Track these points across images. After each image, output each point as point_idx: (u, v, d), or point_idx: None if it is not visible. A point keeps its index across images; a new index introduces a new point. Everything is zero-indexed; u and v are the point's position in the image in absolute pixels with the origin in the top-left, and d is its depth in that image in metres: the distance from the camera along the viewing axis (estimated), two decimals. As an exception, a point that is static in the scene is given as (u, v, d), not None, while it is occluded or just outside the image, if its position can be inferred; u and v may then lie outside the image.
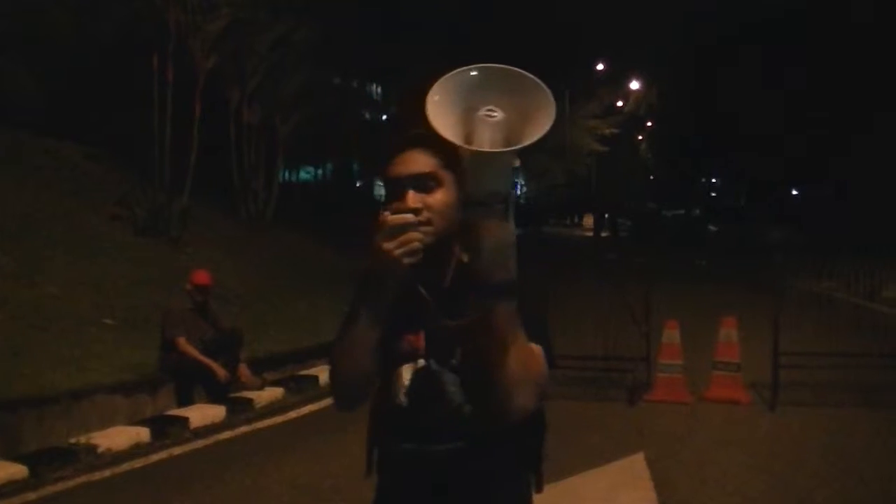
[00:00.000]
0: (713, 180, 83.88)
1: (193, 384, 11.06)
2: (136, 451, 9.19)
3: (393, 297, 2.58)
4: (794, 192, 64.12)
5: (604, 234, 63.27)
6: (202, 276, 11.60)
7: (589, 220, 71.76)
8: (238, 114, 22.02)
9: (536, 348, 2.57)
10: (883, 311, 18.78)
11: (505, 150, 2.39)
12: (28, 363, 10.40)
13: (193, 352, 10.96)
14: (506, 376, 2.46)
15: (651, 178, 79.29)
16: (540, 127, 2.40)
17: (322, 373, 12.77)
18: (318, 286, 19.00)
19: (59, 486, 8.08)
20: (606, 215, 68.61)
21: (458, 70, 2.50)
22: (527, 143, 2.38)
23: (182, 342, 10.94)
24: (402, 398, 2.72)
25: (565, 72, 45.14)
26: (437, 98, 2.44)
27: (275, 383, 12.13)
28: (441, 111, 2.42)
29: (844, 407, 10.97)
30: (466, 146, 2.39)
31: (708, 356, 11.82)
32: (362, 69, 34.63)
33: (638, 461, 8.70)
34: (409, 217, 2.50)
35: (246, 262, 18.93)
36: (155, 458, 9.04)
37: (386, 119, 42.35)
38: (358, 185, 39.81)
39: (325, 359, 13.32)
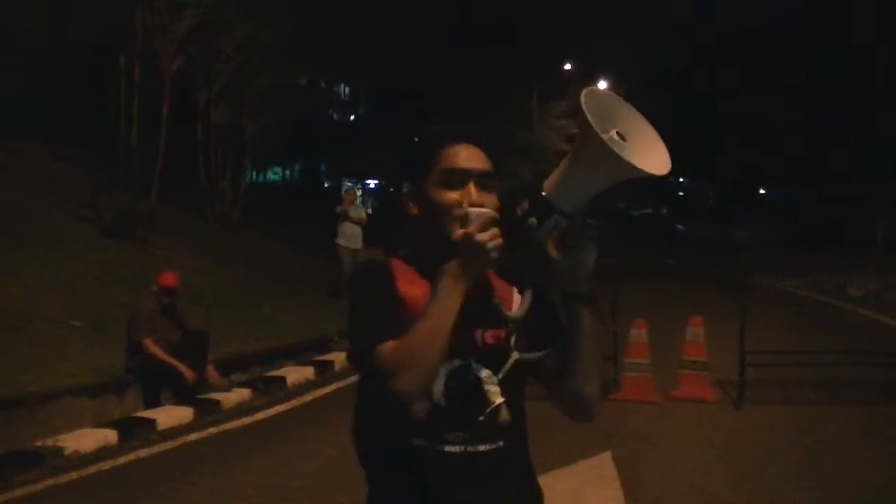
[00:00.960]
0: (681, 179, 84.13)
1: (160, 386, 11.02)
2: (103, 453, 9.14)
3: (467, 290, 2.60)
4: (762, 192, 64.43)
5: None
6: (169, 278, 11.55)
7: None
8: (205, 114, 21.95)
9: None
10: (848, 309, 18.92)
11: (639, 166, 2.43)
12: (-6, 365, 10.34)
13: (160, 353, 10.91)
14: (597, 375, 2.68)
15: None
16: (654, 167, 2.50)
17: (290, 374, 12.76)
18: (285, 287, 18.98)
19: (26, 490, 8.03)
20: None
21: (608, 92, 2.59)
22: (647, 170, 2.46)
23: (149, 343, 10.89)
24: (440, 398, 2.69)
25: (534, 70, 45.18)
26: (589, 99, 2.48)
27: (242, 385, 12.09)
28: (589, 111, 2.46)
29: (811, 404, 11.05)
30: (614, 149, 2.44)
31: (675, 355, 11.87)
32: (330, 70, 34.57)
33: (605, 460, 8.73)
34: (494, 212, 2.56)
35: (213, 263, 18.87)
36: (122, 460, 9.00)
37: (354, 119, 42.32)
38: (326, 185, 39.74)
39: (292, 360, 13.34)
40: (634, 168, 2.42)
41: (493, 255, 2.50)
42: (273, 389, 12.19)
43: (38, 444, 8.93)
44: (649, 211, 75.95)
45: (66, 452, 8.90)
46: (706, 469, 8.58)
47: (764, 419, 10.49)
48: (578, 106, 2.45)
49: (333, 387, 12.50)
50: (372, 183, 47.51)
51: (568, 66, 53.74)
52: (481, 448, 2.68)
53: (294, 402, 11.69)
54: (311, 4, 24.71)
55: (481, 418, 2.67)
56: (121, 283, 14.91)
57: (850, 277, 20.43)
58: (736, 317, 11.45)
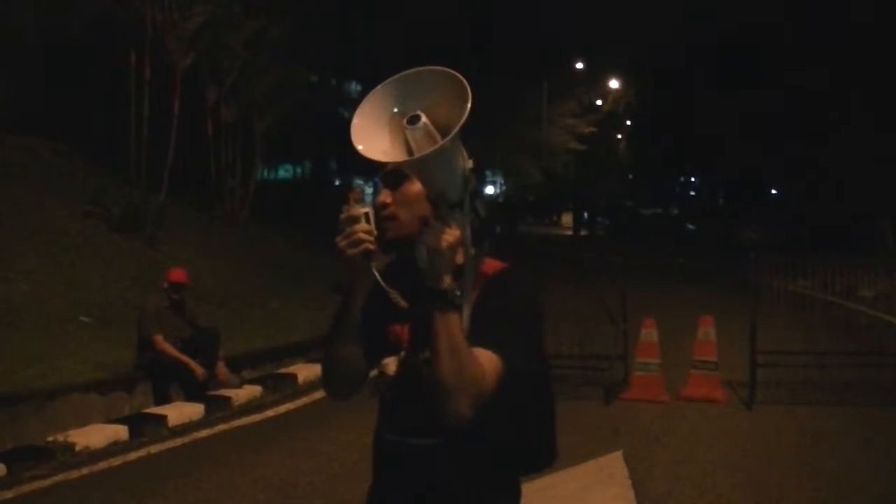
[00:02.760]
0: (692, 179, 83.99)
1: (171, 382, 11.02)
2: (114, 449, 9.15)
3: (361, 289, 2.73)
4: (774, 192, 64.27)
5: (582, 233, 63.34)
6: (178, 274, 11.56)
7: (567, 219, 71.83)
8: (215, 111, 21.95)
9: (487, 357, 2.58)
10: (858, 310, 18.87)
11: (424, 154, 2.45)
12: (1, 361, 10.35)
13: (171, 350, 10.92)
14: (438, 381, 2.52)
15: (630, 176, 79.36)
16: (459, 114, 2.44)
17: (300, 371, 12.75)
18: (294, 284, 19.00)
19: (36, 485, 8.04)
20: (586, 214, 68.69)
21: (367, 97, 2.62)
22: (449, 137, 2.42)
23: (159, 340, 10.90)
24: (386, 388, 2.77)
25: (544, 69, 45.20)
26: (357, 126, 2.57)
27: (252, 382, 12.08)
28: (366, 137, 2.55)
29: (820, 405, 11.01)
30: (388, 160, 2.49)
31: (685, 355, 11.85)
32: (340, 67, 34.59)
33: (615, 459, 8.71)
34: (358, 211, 2.63)
35: (222, 259, 18.89)
36: (132, 456, 9.00)
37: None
38: (336, 183, 39.74)
39: (301, 357, 13.37)
40: (417, 158, 2.46)
41: (349, 251, 2.63)
42: (283, 387, 12.19)
43: (49, 439, 8.94)
44: (659, 211, 75.90)
45: (77, 448, 8.92)
46: (715, 469, 8.56)
47: (773, 420, 10.45)
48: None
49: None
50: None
51: (579, 66, 53.72)
52: (413, 441, 2.72)
53: (304, 400, 11.68)
54: (317, 3, 24.70)
55: (416, 412, 2.68)
56: (128, 279, 14.93)
57: (861, 278, 20.37)
58: (745, 317, 11.43)
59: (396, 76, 2.61)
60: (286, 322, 15.45)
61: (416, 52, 30.98)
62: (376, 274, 2.74)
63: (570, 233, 64.69)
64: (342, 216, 2.63)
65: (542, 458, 2.91)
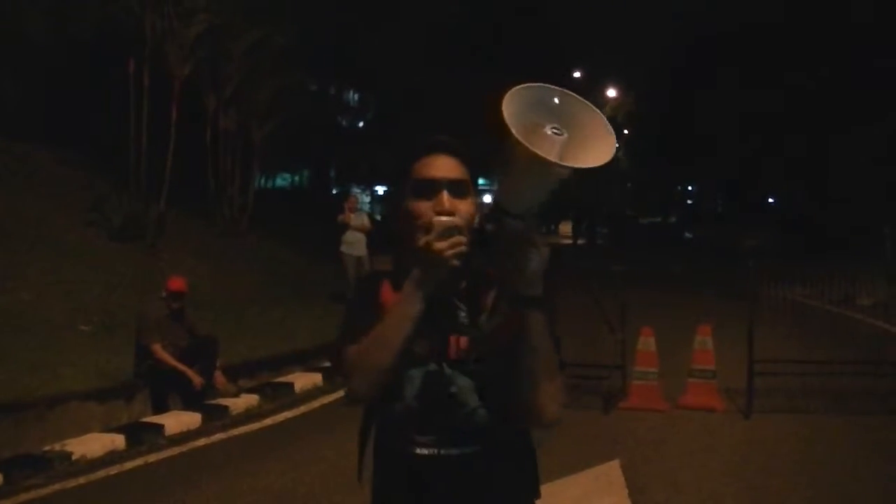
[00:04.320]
0: (689, 187, 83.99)
1: (169, 391, 11.04)
2: (111, 458, 9.16)
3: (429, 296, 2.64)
4: (770, 200, 64.28)
5: (580, 242, 63.32)
6: (177, 283, 11.57)
7: (566, 228, 71.77)
8: (215, 119, 21.96)
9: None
10: (857, 319, 18.86)
11: (568, 165, 2.44)
12: (1, 369, 10.35)
13: (169, 358, 10.93)
14: (542, 384, 2.59)
15: (629, 185, 79.36)
16: (596, 158, 2.49)
17: (298, 379, 12.76)
18: (293, 293, 19.01)
19: (33, 494, 8.05)
20: (584, 223, 68.66)
21: (538, 85, 2.57)
22: (582, 166, 2.45)
23: (157, 349, 10.91)
24: (413, 401, 2.72)
25: (542, 78, 45.20)
26: (512, 101, 2.48)
27: (250, 390, 12.09)
28: (513, 115, 2.46)
29: (819, 414, 11.01)
30: (539, 153, 2.43)
31: (683, 363, 11.85)
32: (339, 76, 34.63)
33: (613, 468, 8.72)
34: (457, 220, 2.61)
35: (221, 268, 18.90)
36: (130, 465, 9.01)
37: (362, 125, 42.30)
38: (335, 191, 39.77)
39: (299, 365, 13.35)
40: (564, 166, 2.43)
41: (453, 262, 2.55)
42: (281, 395, 12.20)
43: (46, 448, 8.95)
44: (658, 219, 75.89)
45: (74, 457, 8.92)
46: (713, 477, 8.57)
47: (771, 428, 10.46)
48: (499, 111, 2.45)
49: (341, 393, 12.48)
50: (381, 189, 47.54)
51: (577, 74, 53.77)
52: (454, 452, 2.70)
53: (302, 408, 11.70)
54: (318, 11, 24.73)
55: (454, 422, 2.68)
56: (128, 287, 14.94)
57: (859, 287, 20.34)
58: (743, 325, 11.42)
59: (562, 90, 2.59)
60: (284, 330, 15.46)
61: (414, 64, 31.10)
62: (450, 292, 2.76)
63: (568, 241, 64.65)
64: (445, 222, 2.59)
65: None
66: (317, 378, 13.10)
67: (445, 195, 2.73)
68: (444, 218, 2.61)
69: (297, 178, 41.62)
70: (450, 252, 2.54)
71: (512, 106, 2.46)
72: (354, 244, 18.58)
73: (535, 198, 2.55)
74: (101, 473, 8.69)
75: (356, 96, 41.48)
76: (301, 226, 26.00)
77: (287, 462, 9.10)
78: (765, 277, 13.81)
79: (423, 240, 2.57)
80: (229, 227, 22.38)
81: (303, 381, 12.81)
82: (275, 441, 10.11)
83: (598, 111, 2.58)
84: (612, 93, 62.50)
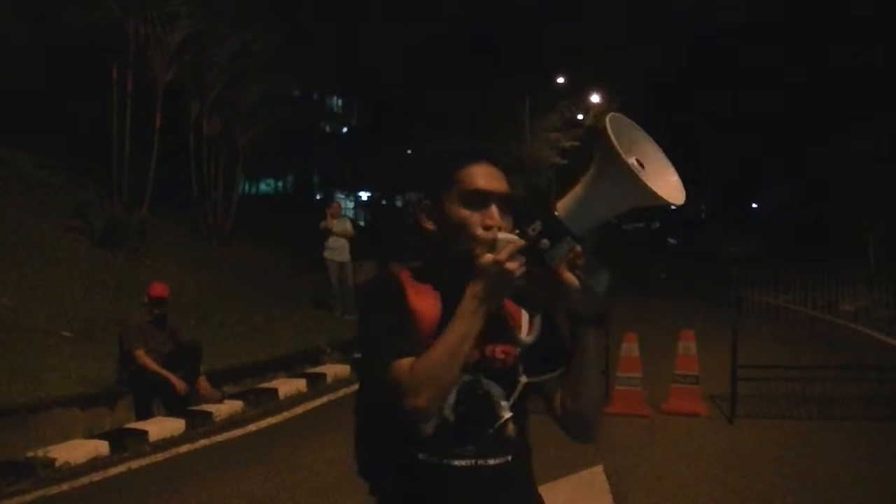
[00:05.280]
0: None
1: (152, 397, 11.01)
2: (95, 464, 9.13)
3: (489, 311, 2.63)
4: (755, 206, 64.49)
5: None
6: (159, 289, 11.54)
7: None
8: (198, 125, 21.91)
9: None
10: (840, 324, 18.93)
11: (652, 189, 2.48)
12: (-17, 376, 10.32)
13: (152, 364, 10.90)
14: (600, 395, 2.72)
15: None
16: (670, 196, 2.55)
17: (281, 386, 12.75)
18: (276, 299, 18.98)
19: (16, 500, 8.02)
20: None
21: (629, 121, 2.59)
22: (655, 200, 2.50)
23: (141, 354, 10.88)
24: (450, 413, 2.71)
25: (526, 83, 45.19)
26: (614, 123, 2.51)
27: (234, 396, 12.07)
28: (615, 133, 2.48)
29: (802, 419, 11.05)
30: (635, 163, 2.47)
31: (667, 369, 11.87)
32: (322, 81, 34.58)
33: (597, 473, 8.72)
34: (520, 240, 2.56)
35: (204, 274, 18.87)
36: (113, 471, 8.99)
37: (346, 131, 42.28)
38: (318, 197, 39.75)
39: (283, 372, 13.33)
40: (655, 195, 2.46)
41: (521, 282, 2.55)
42: (265, 401, 12.18)
43: (29, 454, 8.92)
44: (641, 225, 75.99)
45: (58, 463, 8.89)
46: (696, 483, 8.58)
47: (755, 434, 10.49)
48: (602, 129, 2.48)
49: (325, 399, 12.50)
50: (364, 195, 47.48)
51: (561, 80, 53.73)
52: (491, 462, 2.71)
53: (286, 415, 11.68)
54: (301, 17, 24.70)
55: (490, 433, 2.70)
56: (110, 293, 14.90)
57: (842, 293, 20.41)
58: (727, 331, 11.45)
59: (653, 142, 2.64)
60: (268, 336, 15.44)
61: (399, 69, 31.10)
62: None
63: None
64: (514, 241, 2.56)
65: None
66: (301, 384, 13.09)
67: (495, 209, 2.72)
68: (512, 237, 2.57)
69: (280, 184, 41.58)
70: (519, 272, 2.53)
71: (613, 127, 2.48)
72: (337, 250, 18.58)
73: (603, 219, 2.60)
74: (84, 480, 8.66)
75: (340, 102, 41.46)
76: (284, 232, 25.96)
77: (271, 468, 9.08)
78: (748, 283, 13.85)
79: (491, 258, 2.53)
80: (212, 233, 22.33)
81: (287, 387, 12.80)
82: (259, 447, 10.09)
83: (668, 160, 2.64)
84: (595, 98, 62.50)
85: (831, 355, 13.09)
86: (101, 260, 16.57)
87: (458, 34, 36.01)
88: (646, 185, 2.43)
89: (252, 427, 11.02)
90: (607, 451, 9.54)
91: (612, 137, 2.43)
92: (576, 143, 55.60)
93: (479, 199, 2.72)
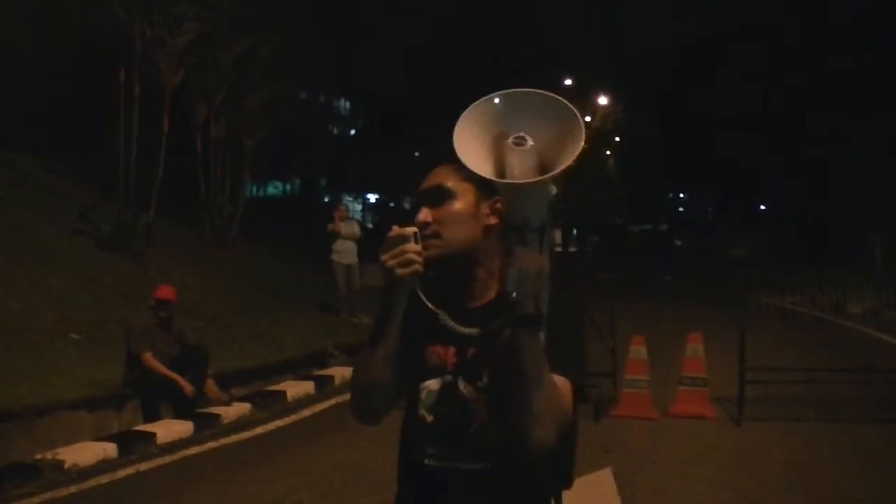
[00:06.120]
0: (681, 195, 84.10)
1: (160, 399, 10.99)
2: (103, 466, 9.12)
3: (400, 309, 2.64)
4: (763, 208, 64.43)
5: (571, 250, 63.31)
6: (165, 291, 11.53)
7: (557, 237, 71.73)
8: (204, 128, 21.91)
9: (563, 382, 2.60)
10: (847, 326, 18.91)
11: (528, 181, 2.45)
12: (-10, 379, 10.32)
13: (160, 367, 10.89)
14: (527, 407, 2.49)
15: (618, 192, 79.45)
16: (571, 152, 2.46)
17: (289, 388, 12.75)
18: (283, 301, 18.99)
19: (24, 503, 8.01)
20: (575, 231, 68.66)
21: (482, 99, 2.56)
22: (558, 170, 2.45)
23: (148, 357, 10.87)
24: (425, 413, 2.72)
25: (531, 86, 45.15)
26: (462, 131, 2.50)
27: (241, 399, 12.06)
28: (468, 144, 2.49)
29: (810, 422, 11.02)
30: (496, 179, 2.46)
31: (674, 371, 11.86)
32: (328, 84, 34.63)
33: (605, 476, 8.70)
34: (408, 230, 2.55)
35: (211, 276, 18.88)
36: (121, 473, 8.98)
37: (353, 134, 42.29)
38: (326, 199, 39.78)
39: (290, 374, 13.38)
40: (549, 176, 2.46)
41: (399, 271, 2.53)
42: (272, 404, 12.17)
43: (37, 457, 8.90)
44: (648, 227, 76.00)
45: (65, 466, 8.88)
46: (703, 486, 8.57)
47: (762, 436, 10.46)
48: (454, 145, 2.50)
49: (333, 401, 12.48)
50: (372, 197, 47.50)
51: (568, 82, 53.72)
52: (462, 467, 2.67)
53: (293, 417, 11.68)
54: (307, 19, 24.73)
55: (464, 436, 2.66)
56: (117, 296, 14.90)
57: (849, 295, 20.41)
58: (734, 333, 11.44)
59: (505, 92, 2.59)
60: (275, 339, 15.44)
61: (405, 72, 31.14)
62: (422, 296, 2.76)
63: (558, 249, 64.58)
64: (390, 234, 2.55)
65: (566, 481, 2.93)
66: (308, 387, 13.08)
67: (423, 208, 2.71)
68: (399, 230, 2.56)
69: (287, 187, 41.59)
70: (392, 262, 2.52)
71: (463, 134, 2.49)
72: (345, 253, 18.55)
73: (526, 211, 2.54)
74: (92, 482, 8.65)
75: (347, 104, 41.49)
76: (291, 234, 25.97)
77: (278, 471, 9.08)
78: (755, 285, 13.85)
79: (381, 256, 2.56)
80: (219, 236, 22.34)
81: (294, 389, 12.79)
82: (266, 450, 10.08)
83: (551, 94, 2.58)
84: (602, 100, 62.46)
85: (839, 358, 13.09)
86: (108, 263, 16.57)
87: (464, 36, 36.07)
88: (504, 182, 2.47)
89: (260, 429, 11.01)
90: (615, 454, 9.54)
91: (457, 149, 2.47)
92: (583, 145, 55.56)
93: (417, 205, 2.75)
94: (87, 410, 10.15)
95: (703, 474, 8.99)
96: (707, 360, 11.56)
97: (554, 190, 2.62)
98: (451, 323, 2.75)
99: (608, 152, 71.13)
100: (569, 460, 2.88)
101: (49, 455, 8.97)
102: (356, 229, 19.25)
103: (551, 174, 2.46)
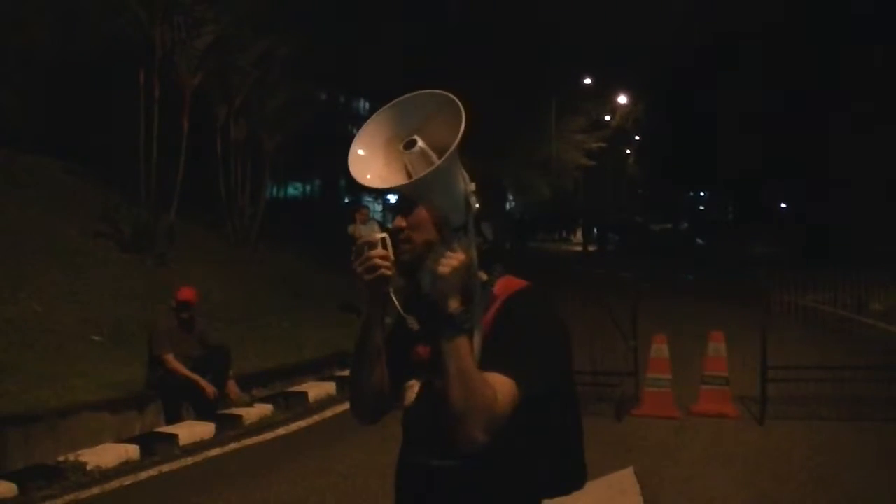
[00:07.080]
0: (701, 193, 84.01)
1: (181, 401, 11.02)
2: (125, 468, 9.15)
3: (378, 313, 2.74)
4: (783, 206, 64.24)
5: (591, 249, 63.26)
6: (187, 293, 11.56)
7: (579, 236, 71.73)
8: (225, 130, 21.93)
9: (500, 381, 2.58)
10: (869, 324, 18.83)
11: (405, 183, 2.56)
12: (13, 380, 10.35)
13: (181, 368, 10.92)
14: (449, 406, 2.54)
15: (639, 191, 79.34)
16: (455, 130, 2.48)
17: (311, 389, 12.76)
18: (304, 302, 19.01)
19: (48, 504, 8.05)
20: (596, 229, 68.59)
21: (363, 127, 2.69)
22: (448, 153, 2.47)
23: (170, 359, 10.90)
24: (408, 410, 2.82)
25: (552, 86, 45.18)
26: (355, 157, 2.64)
27: (263, 400, 12.08)
28: (362, 167, 2.61)
29: (833, 420, 10.98)
30: (385, 185, 2.53)
31: (696, 370, 11.83)
32: (348, 85, 34.65)
33: (627, 475, 8.70)
34: (375, 237, 2.64)
35: (232, 278, 18.89)
36: (144, 475, 9.01)
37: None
38: (346, 201, 39.77)
39: (312, 375, 13.40)
40: (435, 167, 2.50)
41: (366, 276, 2.64)
42: (294, 405, 12.19)
43: (60, 459, 8.94)
44: (669, 226, 75.91)
45: (88, 467, 8.92)
46: (727, 485, 8.55)
47: (786, 435, 10.43)
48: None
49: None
50: (392, 198, 47.51)
51: (588, 81, 53.69)
52: (434, 463, 2.72)
53: (315, 418, 11.69)
54: (326, 20, 24.75)
55: (437, 434, 2.66)
56: (138, 298, 14.93)
57: (871, 292, 20.32)
58: (756, 332, 11.41)
59: (391, 103, 2.67)
60: (296, 340, 15.46)
61: (420, 72, 31.12)
62: (394, 298, 2.77)
63: (578, 248, 64.50)
64: (359, 241, 2.65)
65: (571, 480, 2.93)
66: (330, 388, 13.10)
67: (398, 215, 2.80)
68: (361, 240, 2.69)
69: (308, 188, 41.58)
70: (359, 269, 2.63)
71: (356, 159, 2.63)
72: (364, 255, 18.51)
73: (441, 209, 2.64)
74: (115, 483, 8.68)
75: (367, 105, 41.49)
76: (312, 236, 25.98)
77: (300, 472, 9.09)
78: (777, 284, 13.79)
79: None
80: (240, 237, 22.35)
81: (316, 390, 12.81)
82: (288, 451, 10.10)
83: (419, 92, 2.65)
84: (622, 99, 62.41)
85: (861, 356, 13.00)
86: (130, 264, 16.60)
87: (485, 36, 36.06)
88: (388, 188, 2.59)
89: (281, 430, 11.04)
90: (637, 453, 9.53)
91: (359, 177, 2.59)
92: (602, 145, 55.53)
93: (394, 211, 2.87)
94: (110, 412, 10.18)
95: (725, 473, 8.97)
96: (729, 358, 11.54)
97: (472, 186, 2.66)
98: (414, 324, 2.80)
99: (628, 151, 71.10)
100: (566, 460, 2.98)
101: (72, 457, 9.01)
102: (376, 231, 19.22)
103: (437, 163, 2.50)
